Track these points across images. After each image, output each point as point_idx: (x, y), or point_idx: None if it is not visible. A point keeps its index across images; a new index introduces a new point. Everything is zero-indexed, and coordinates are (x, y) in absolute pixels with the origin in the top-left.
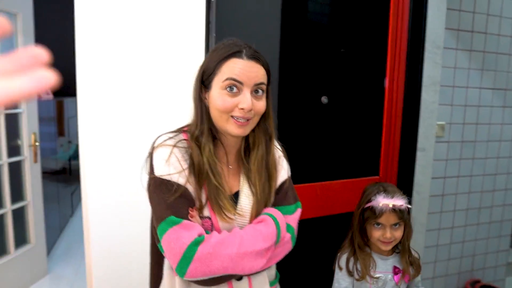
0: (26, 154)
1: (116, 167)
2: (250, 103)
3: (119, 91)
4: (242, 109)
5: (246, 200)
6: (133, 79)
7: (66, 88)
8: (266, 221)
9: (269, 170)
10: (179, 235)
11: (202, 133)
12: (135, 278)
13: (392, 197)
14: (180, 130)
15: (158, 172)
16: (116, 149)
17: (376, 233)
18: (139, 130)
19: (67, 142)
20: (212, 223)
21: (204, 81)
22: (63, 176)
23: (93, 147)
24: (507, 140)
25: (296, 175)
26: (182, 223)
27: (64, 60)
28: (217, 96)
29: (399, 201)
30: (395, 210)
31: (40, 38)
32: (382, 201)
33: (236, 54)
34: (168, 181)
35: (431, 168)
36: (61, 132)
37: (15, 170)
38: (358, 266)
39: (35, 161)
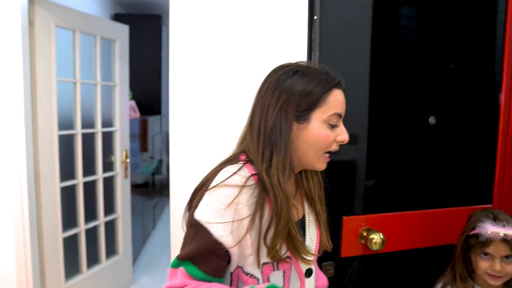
0: (118, 169)
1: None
2: (347, 135)
3: (209, 110)
4: (341, 141)
5: (313, 231)
6: (228, 99)
7: (151, 107)
8: None
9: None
10: (168, 280)
11: (283, 171)
12: None
13: (504, 225)
14: (239, 161)
15: (202, 218)
16: (203, 166)
17: (483, 265)
18: (226, 149)
19: (150, 158)
20: (291, 264)
21: (298, 111)
22: (146, 189)
23: (182, 163)
24: None
25: (399, 202)
26: (176, 270)
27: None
28: (318, 130)
29: (511, 231)
30: (507, 240)
31: (132, 62)
32: (491, 229)
33: (338, 85)
34: (208, 232)
35: None
36: (144, 148)
37: (108, 185)
38: None
39: (126, 176)
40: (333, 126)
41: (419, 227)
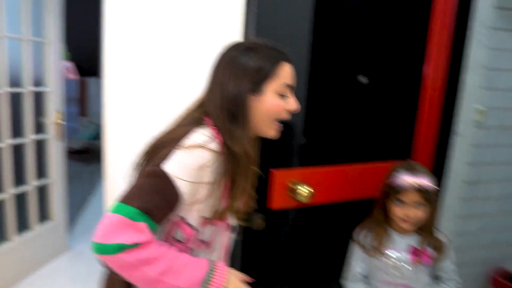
0: (52, 133)
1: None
2: (297, 104)
3: (145, 73)
4: (291, 110)
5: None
6: (166, 62)
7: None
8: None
9: None
10: (123, 231)
11: (247, 140)
12: None
13: (417, 175)
14: (204, 127)
15: (171, 171)
16: (140, 130)
17: (397, 211)
18: (163, 113)
19: (89, 122)
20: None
21: (253, 85)
22: (85, 155)
23: (117, 128)
24: None
25: (327, 157)
26: (139, 224)
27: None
28: (271, 100)
29: (424, 180)
30: (419, 189)
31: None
32: (405, 178)
33: (286, 59)
34: (172, 185)
35: (467, 153)
36: (83, 112)
37: (41, 149)
38: (372, 242)
39: (60, 140)
40: (284, 96)
41: (345, 180)
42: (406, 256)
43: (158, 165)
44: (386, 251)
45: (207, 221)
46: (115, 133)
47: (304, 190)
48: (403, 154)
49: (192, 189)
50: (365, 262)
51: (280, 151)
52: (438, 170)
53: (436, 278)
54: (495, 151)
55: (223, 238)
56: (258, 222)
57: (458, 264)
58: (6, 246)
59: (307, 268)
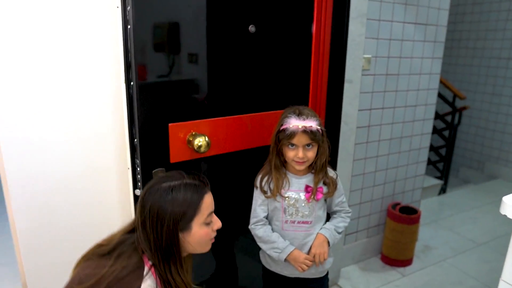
0: None
1: (35, 126)
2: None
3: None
4: (217, 228)
5: None
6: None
7: None
8: None
9: None
10: None
11: (182, 273)
12: (59, 232)
13: (304, 119)
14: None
15: None
16: (33, 106)
17: (290, 154)
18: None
19: None
20: None
21: (181, 226)
22: None
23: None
24: (426, 73)
25: (225, 107)
26: None
27: None
28: (199, 232)
29: (310, 123)
30: (306, 131)
31: None
32: (294, 123)
33: (204, 190)
34: None
35: (358, 99)
36: None
37: None
38: (271, 185)
39: None
40: (210, 222)
41: (243, 130)
42: (302, 194)
43: None
44: (284, 193)
45: None
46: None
47: (201, 141)
48: (299, 102)
49: None
50: (267, 205)
51: (177, 105)
52: (332, 116)
53: (332, 213)
54: (382, 96)
55: None
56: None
57: (359, 203)
58: None
59: None
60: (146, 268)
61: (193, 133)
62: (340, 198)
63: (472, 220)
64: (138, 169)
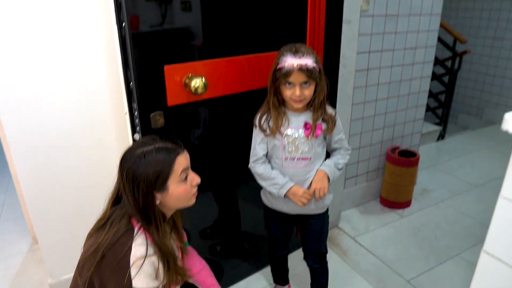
0: None
1: (28, 78)
2: (198, 177)
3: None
4: (196, 184)
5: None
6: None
7: None
8: None
9: None
10: None
11: (163, 234)
12: (66, 186)
13: (300, 57)
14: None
15: (143, 285)
16: (29, 57)
17: (287, 92)
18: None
19: None
20: None
21: (157, 187)
22: None
23: None
24: (426, 14)
25: (222, 49)
26: None
27: None
28: (177, 190)
29: (306, 60)
30: (303, 69)
31: None
32: (290, 61)
33: (176, 151)
34: None
35: (356, 41)
36: None
37: None
38: (270, 123)
39: None
40: (186, 179)
41: (240, 71)
42: (301, 131)
43: (129, 286)
44: (284, 130)
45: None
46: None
47: (198, 82)
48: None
49: (160, 282)
50: (266, 144)
51: (173, 46)
52: (330, 59)
53: (332, 150)
54: (381, 38)
55: None
56: (158, 119)
57: (358, 147)
58: None
59: (213, 161)
60: (135, 229)
61: (190, 75)
62: (339, 135)
63: (469, 164)
64: (136, 113)
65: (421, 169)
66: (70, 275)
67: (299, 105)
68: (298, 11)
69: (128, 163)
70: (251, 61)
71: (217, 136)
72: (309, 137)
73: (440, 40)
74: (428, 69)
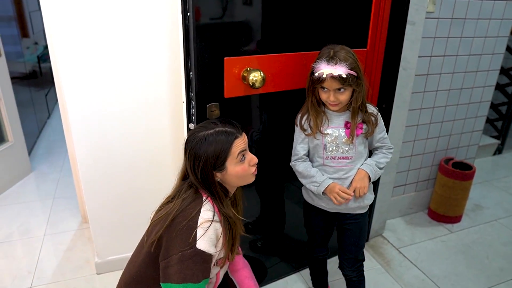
0: None
1: (93, 62)
2: (255, 157)
3: None
4: (254, 164)
5: None
6: None
7: None
8: None
9: None
10: None
11: (225, 201)
12: (120, 169)
13: (334, 64)
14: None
15: (205, 248)
16: (91, 42)
17: (323, 96)
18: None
19: (34, 44)
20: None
21: (217, 167)
22: (34, 80)
23: (64, 44)
24: (497, 18)
25: (282, 44)
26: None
27: None
28: (235, 170)
29: (339, 69)
30: (335, 77)
31: None
32: (322, 69)
33: (234, 135)
34: (210, 256)
35: (419, 44)
36: (24, 33)
37: None
38: (311, 123)
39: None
40: (243, 159)
41: (298, 68)
42: (342, 131)
43: (193, 246)
44: (324, 130)
45: (218, 262)
46: (65, 52)
47: (256, 76)
48: (357, 43)
49: (217, 251)
50: (307, 143)
51: (234, 39)
52: (391, 61)
53: (374, 149)
54: (445, 42)
55: (218, 274)
56: (213, 110)
57: (410, 155)
58: None
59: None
60: (204, 197)
61: (248, 68)
62: (381, 134)
63: None
64: (193, 103)
65: (475, 183)
66: (116, 256)
67: (335, 108)
68: (361, 9)
69: (191, 144)
70: (310, 58)
71: (270, 131)
72: (350, 136)
73: (507, 47)
74: (493, 78)
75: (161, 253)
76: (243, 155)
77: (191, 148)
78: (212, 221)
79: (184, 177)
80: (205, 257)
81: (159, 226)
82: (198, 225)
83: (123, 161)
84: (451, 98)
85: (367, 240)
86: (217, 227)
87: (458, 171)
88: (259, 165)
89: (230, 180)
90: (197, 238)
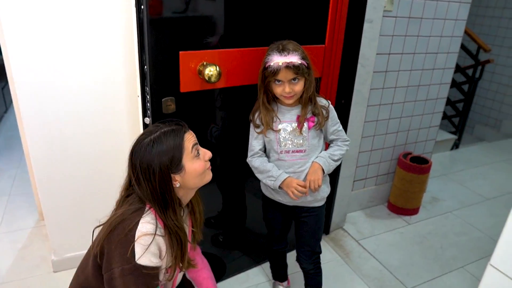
0: None
1: (45, 55)
2: (209, 151)
3: None
4: (209, 158)
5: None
6: None
7: None
8: None
9: None
10: None
11: (176, 217)
12: (76, 165)
13: (286, 55)
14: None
15: (146, 262)
16: (43, 34)
17: (277, 89)
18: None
19: None
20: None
21: (173, 169)
22: None
23: (20, 35)
24: (452, 19)
25: (239, 39)
26: None
27: None
28: (192, 167)
29: (292, 58)
30: (290, 66)
31: None
32: (275, 60)
33: (182, 130)
34: (153, 268)
35: (377, 42)
36: None
37: None
38: (263, 120)
39: None
40: (198, 154)
41: (255, 63)
42: (294, 125)
43: (132, 261)
44: (276, 126)
45: (168, 270)
46: (16, 46)
47: (212, 70)
48: (316, 39)
49: (162, 261)
50: (262, 138)
51: (190, 33)
52: (349, 57)
53: (330, 142)
54: (403, 40)
55: (176, 278)
56: (169, 104)
57: (370, 150)
58: None
59: (220, 151)
60: (146, 208)
61: (204, 63)
62: (335, 126)
63: (483, 176)
64: (148, 97)
65: (432, 177)
66: (73, 253)
67: (290, 101)
68: (319, 6)
69: (138, 154)
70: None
71: (229, 126)
72: (302, 130)
73: (463, 47)
74: (448, 76)
75: (103, 265)
76: (197, 150)
77: (141, 158)
78: (151, 234)
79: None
80: (148, 270)
81: (101, 236)
82: (135, 239)
83: (78, 157)
84: (409, 94)
85: (327, 233)
86: (158, 240)
87: (416, 165)
88: (219, 161)
89: (189, 181)
90: (136, 254)
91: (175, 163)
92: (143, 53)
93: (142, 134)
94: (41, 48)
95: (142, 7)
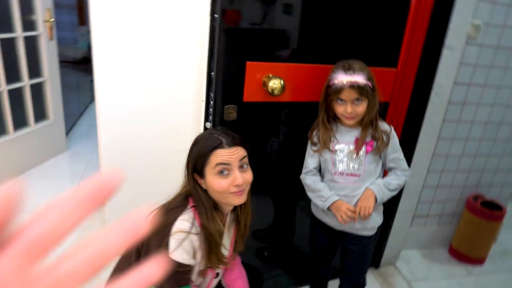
0: (41, 30)
1: (129, 55)
2: (241, 179)
3: None
4: (237, 185)
5: (228, 242)
6: None
7: None
8: None
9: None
10: None
11: (210, 212)
12: (137, 157)
13: (352, 74)
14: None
15: (178, 258)
16: (130, 36)
17: (339, 109)
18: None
19: (87, 32)
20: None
21: (198, 172)
22: (84, 66)
23: (106, 34)
24: None
25: (307, 54)
26: None
27: None
28: (212, 181)
29: (357, 77)
30: (354, 86)
31: None
32: (340, 78)
33: (218, 145)
34: (184, 265)
35: (455, 70)
36: (82, 21)
37: (32, 46)
38: (320, 139)
39: (50, 38)
40: (227, 174)
41: (320, 80)
42: (352, 147)
43: (166, 254)
44: (334, 146)
45: (199, 273)
46: (102, 44)
47: (276, 83)
48: (387, 62)
49: (197, 262)
50: (318, 157)
51: (258, 44)
52: (422, 85)
53: (388, 170)
54: (487, 71)
55: (211, 283)
56: (231, 112)
57: (436, 186)
58: (5, 139)
59: (278, 165)
60: (188, 206)
61: (270, 75)
62: (395, 154)
63: None
64: (212, 102)
65: (506, 226)
66: None
67: (351, 122)
68: (395, 27)
69: (192, 143)
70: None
71: (287, 141)
72: (359, 153)
73: None
74: None
75: (142, 252)
76: (225, 170)
77: (190, 146)
78: (187, 232)
79: None
80: (179, 267)
81: None
82: (171, 234)
83: (143, 153)
84: (488, 131)
85: (377, 267)
86: (193, 238)
87: (487, 210)
88: (276, 175)
89: (210, 192)
90: (169, 247)
91: (198, 166)
92: (212, 60)
93: (208, 130)
94: (122, 51)
95: (216, 15)
